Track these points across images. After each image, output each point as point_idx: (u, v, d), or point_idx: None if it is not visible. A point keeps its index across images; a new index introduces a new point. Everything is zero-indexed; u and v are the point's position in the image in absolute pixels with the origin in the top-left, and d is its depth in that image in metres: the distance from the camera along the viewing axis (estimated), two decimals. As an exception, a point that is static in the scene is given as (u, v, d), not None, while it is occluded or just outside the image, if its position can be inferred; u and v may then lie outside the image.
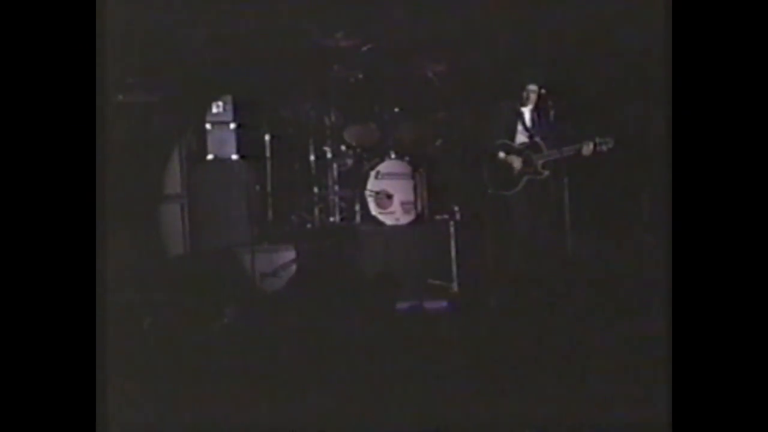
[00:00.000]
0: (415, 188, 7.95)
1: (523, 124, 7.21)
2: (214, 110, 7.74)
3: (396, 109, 8.05)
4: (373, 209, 7.87)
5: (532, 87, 7.12)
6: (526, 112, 7.20)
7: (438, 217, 7.73)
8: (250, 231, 7.45)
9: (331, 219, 7.99)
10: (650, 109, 6.73)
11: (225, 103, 7.75)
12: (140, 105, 7.26)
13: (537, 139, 7.11)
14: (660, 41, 3.76)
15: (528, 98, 7.14)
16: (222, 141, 7.73)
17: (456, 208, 7.50)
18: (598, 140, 6.88)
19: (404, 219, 7.89)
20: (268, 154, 8.01)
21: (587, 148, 6.91)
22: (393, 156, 7.97)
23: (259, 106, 7.94)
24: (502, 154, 7.16)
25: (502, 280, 7.05)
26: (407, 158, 8.01)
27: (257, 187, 7.91)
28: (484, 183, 7.24)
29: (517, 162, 7.12)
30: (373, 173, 7.89)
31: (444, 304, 6.92)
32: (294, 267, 7.33)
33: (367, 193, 7.86)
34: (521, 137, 7.23)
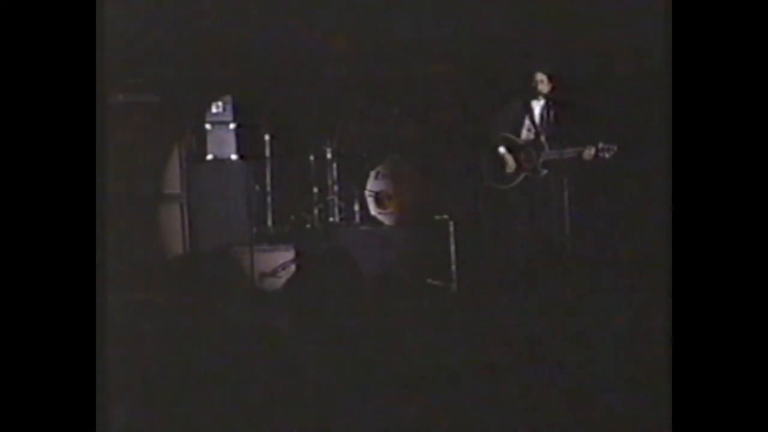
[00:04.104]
0: (414, 188, 7.96)
1: (531, 119, 7.19)
2: (214, 110, 7.75)
3: (396, 110, 8.06)
4: (373, 209, 7.88)
5: (540, 76, 7.09)
6: (536, 107, 7.19)
7: (438, 217, 7.74)
8: (249, 231, 7.45)
9: (331, 219, 8.00)
10: (652, 112, 6.73)
11: (225, 103, 7.76)
12: (140, 105, 7.27)
13: (542, 137, 7.10)
14: (661, 44, 3.76)
15: (537, 88, 7.10)
16: (222, 141, 7.73)
17: (456, 210, 7.52)
18: (601, 146, 6.85)
19: (404, 219, 7.90)
20: (267, 154, 8.02)
21: (588, 153, 6.89)
22: (393, 156, 7.99)
23: (259, 106, 7.95)
24: (502, 149, 7.16)
25: (500, 278, 7.06)
26: (407, 158, 8.02)
27: (257, 187, 7.92)
28: (482, 175, 7.25)
29: (511, 162, 7.12)
30: (373, 173, 7.90)
31: None
32: (293, 267, 7.34)
33: (367, 193, 7.88)
34: (527, 133, 7.22)
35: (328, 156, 8.02)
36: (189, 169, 7.47)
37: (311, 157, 8.02)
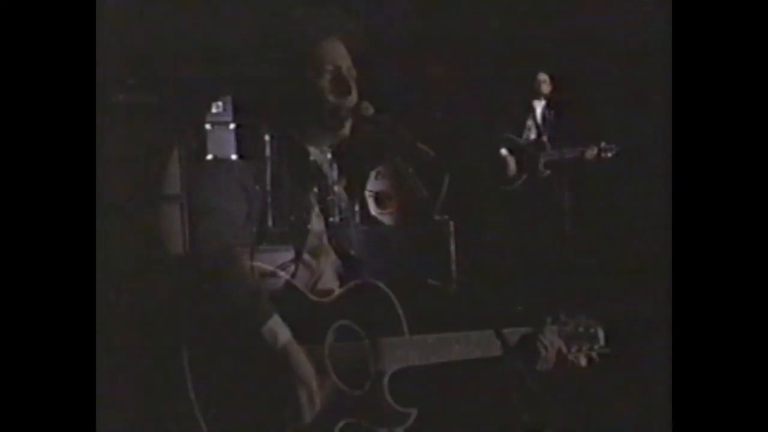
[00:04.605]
0: (414, 188, 7.95)
1: (534, 119, 7.22)
2: (214, 110, 7.73)
3: (394, 111, 8.05)
4: (373, 209, 7.88)
5: (542, 76, 7.12)
6: (538, 107, 7.21)
7: (438, 217, 7.73)
8: (249, 231, 7.43)
9: (331, 219, 7.98)
10: (654, 112, 6.74)
11: (225, 103, 7.74)
12: (140, 105, 7.25)
13: (544, 137, 7.12)
14: (661, 43, 3.76)
15: (540, 89, 7.13)
16: (221, 141, 7.71)
17: (456, 210, 7.51)
18: (603, 145, 6.87)
19: (404, 219, 7.89)
20: (268, 154, 8.00)
21: (591, 153, 6.91)
22: (393, 156, 7.98)
23: (259, 106, 7.93)
24: (503, 150, 7.19)
25: (500, 278, 7.06)
26: (407, 158, 8.00)
27: (257, 187, 7.90)
28: (484, 176, 7.28)
29: (512, 163, 7.14)
30: (373, 173, 7.90)
31: None
32: (293, 267, 7.32)
33: (367, 193, 7.87)
34: (528, 133, 7.25)
35: (328, 156, 8.00)
36: (189, 169, 7.45)
37: (311, 157, 8.00)
